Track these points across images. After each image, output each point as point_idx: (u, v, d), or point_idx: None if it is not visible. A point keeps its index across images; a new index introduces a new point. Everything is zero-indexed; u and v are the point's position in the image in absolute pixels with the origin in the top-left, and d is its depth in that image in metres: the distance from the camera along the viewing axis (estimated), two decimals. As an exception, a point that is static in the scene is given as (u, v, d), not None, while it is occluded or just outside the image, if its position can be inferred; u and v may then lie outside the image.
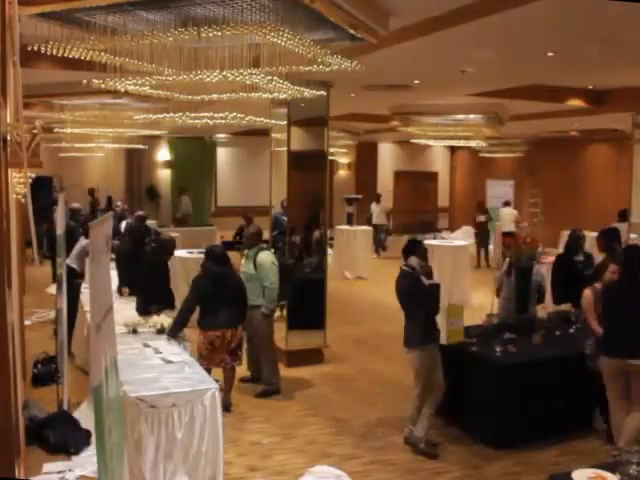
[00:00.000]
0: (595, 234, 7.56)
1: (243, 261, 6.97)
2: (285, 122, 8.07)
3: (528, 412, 5.55)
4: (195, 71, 5.18)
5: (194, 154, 19.35)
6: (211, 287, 6.10)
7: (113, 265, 7.15)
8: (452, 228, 22.26)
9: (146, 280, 6.51)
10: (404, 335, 5.59)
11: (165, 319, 5.90)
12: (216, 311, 6.03)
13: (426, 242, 9.58)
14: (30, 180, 3.21)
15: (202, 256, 6.72)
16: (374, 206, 18.60)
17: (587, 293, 5.67)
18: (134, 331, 5.79)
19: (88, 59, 4.99)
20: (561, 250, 8.34)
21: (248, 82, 5.64)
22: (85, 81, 6.56)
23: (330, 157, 10.16)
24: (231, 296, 6.12)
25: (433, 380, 5.49)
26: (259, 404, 6.61)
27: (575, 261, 7.30)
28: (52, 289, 11.17)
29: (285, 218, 8.77)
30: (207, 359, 6.00)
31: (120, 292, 7.30)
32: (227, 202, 19.74)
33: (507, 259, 6.96)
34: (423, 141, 16.03)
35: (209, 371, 5.64)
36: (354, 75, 5.97)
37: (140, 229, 8.81)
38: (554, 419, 5.65)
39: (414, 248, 5.69)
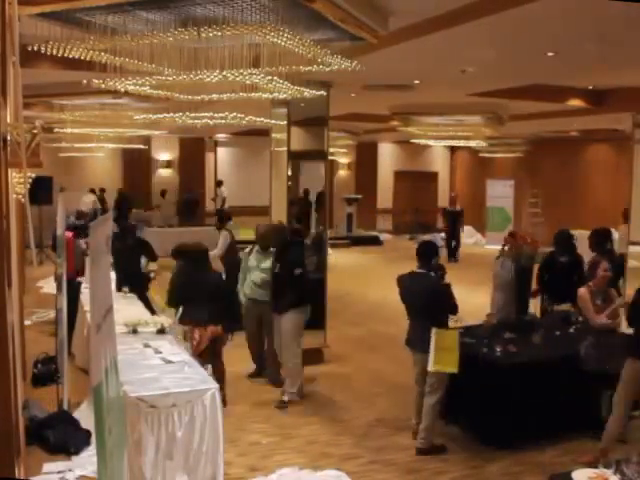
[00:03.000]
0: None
1: (254, 258, 6.98)
2: (285, 122, 8.07)
3: (528, 412, 5.54)
4: (195, 71, 5.17)
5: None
6: (185, 275, 6.12)
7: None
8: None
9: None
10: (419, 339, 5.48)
11: (165, 319, 5.92)
12: (186, 303, 6.03)
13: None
14: (30, 180, 3.21)
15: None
16: None
17: (582, 292, 5.66)
18: (134, 331, 5.79)
19: (88, 59, 4.99)
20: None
21: (248, 82, 5.64)
22: (85, 81, 6.56)
23: (330, 157, 10.15)
24: (201, 291, 5.95)
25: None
26: (259, 404, 6.61)
27: (560, 261, 7.24)
28: (48, 286, 11.17)
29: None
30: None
31: (120, 291, 7.29)
32: (227, 202, 19.72)
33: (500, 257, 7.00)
34: (423, 141, 16.04)
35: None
36: (354, 75, 5.96)
37: (131, 227, 8.82)
38: (554, 419, 5.65)
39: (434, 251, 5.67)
